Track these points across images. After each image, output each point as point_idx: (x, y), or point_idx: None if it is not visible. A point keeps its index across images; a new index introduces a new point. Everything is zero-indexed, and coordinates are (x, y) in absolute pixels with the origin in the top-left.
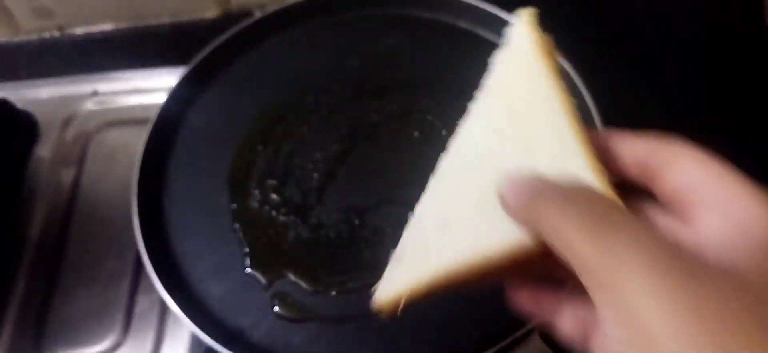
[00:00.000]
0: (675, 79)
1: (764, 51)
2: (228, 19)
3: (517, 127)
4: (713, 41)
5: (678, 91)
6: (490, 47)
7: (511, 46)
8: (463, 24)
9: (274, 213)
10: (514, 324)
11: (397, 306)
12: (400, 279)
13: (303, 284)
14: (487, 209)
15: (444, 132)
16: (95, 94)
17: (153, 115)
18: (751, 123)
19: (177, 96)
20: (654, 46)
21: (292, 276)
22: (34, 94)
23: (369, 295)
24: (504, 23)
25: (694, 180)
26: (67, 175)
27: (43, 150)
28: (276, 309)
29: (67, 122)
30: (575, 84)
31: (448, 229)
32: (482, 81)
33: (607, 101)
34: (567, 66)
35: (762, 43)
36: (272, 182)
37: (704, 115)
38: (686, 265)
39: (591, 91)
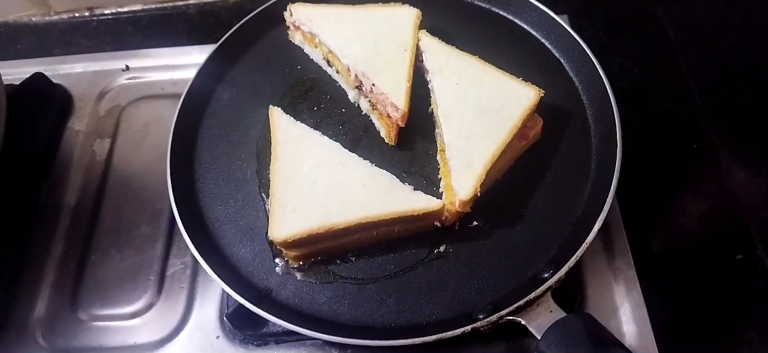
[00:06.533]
0: (687, 63)
1: None
2: (252, 1)
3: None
4: (727, 26)
5: (690, 75)
6: (506, 23)
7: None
8: (480, 3)
9: None
10: (526, 287)
11: (476, 193)
12: (471, 172)
13: None
14: (484, 105)
15: None
16: (127, 69)
17: (184, 89)
18: (762, 108)
19: (207, 71)
20: (668, 30)
21: None
22: (67, 69)
23: (388, 259)
24: (521, 3)
25: None
26: (101, 146)
27: (79, 122)
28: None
29: (100, 96)
30: (593, 63)
31: (472, 131)
32: (497, 53)
33: (621, 83)
34: (583, 47)
35: None
36: None
37: (715, 99)
38: None
39: (606, 72)
